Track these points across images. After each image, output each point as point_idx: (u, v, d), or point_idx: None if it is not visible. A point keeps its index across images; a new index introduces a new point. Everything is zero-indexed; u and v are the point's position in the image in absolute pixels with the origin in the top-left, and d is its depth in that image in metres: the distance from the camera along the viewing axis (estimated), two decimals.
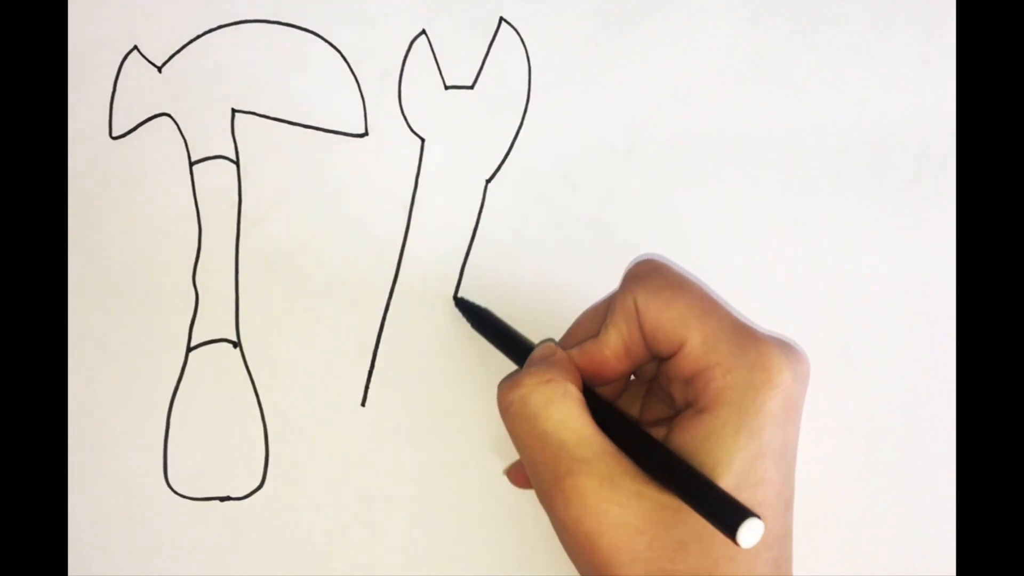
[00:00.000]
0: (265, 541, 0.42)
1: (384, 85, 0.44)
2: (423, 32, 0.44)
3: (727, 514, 0.29)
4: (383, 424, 0.42)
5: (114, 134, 0.44)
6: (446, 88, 0.44)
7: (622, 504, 0.31)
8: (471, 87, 0.44)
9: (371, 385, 0.43)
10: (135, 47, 0.45)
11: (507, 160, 0.44)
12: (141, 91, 0.45)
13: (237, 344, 0.43)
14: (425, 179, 0.44)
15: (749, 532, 0.28)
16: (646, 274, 0.35)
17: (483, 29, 0.44)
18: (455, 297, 0.42)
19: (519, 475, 0.40)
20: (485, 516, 0.42)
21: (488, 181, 0.44)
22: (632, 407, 0.38)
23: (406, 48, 0.44)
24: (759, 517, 0.28)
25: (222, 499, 0.42)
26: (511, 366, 0.40)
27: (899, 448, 0.41)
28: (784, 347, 0.32)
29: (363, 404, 0.43)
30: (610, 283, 0.43)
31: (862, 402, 0.42)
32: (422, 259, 0.43)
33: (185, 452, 0.43)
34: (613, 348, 0.35)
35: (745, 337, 0.32)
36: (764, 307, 0.42)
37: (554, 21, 0.44)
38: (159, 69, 0.45)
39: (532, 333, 0.42)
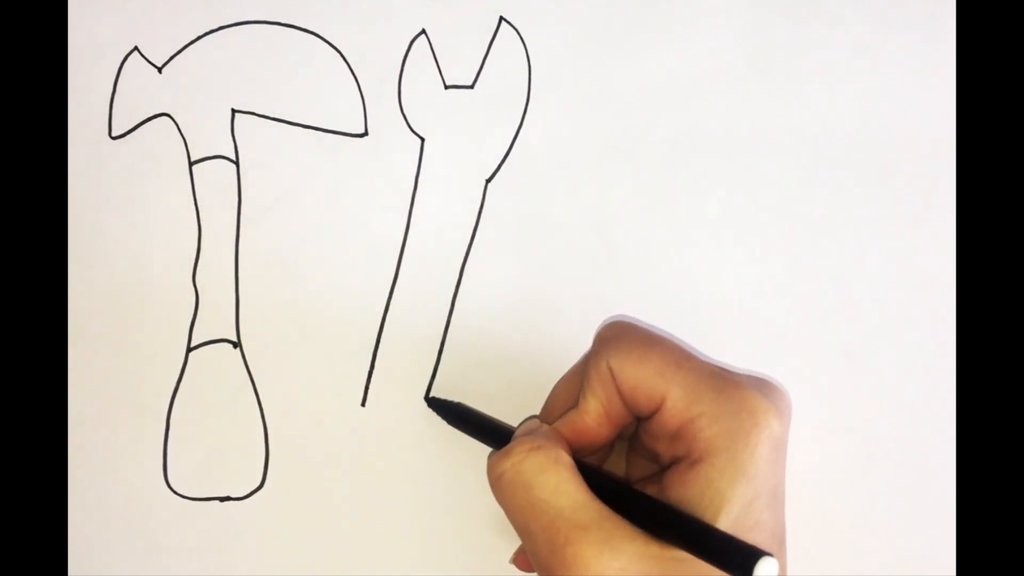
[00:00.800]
0: (265, 541, 0.42)
1: (384, 85, 0.44)
2: (423, 32, 0.44)
3: (740, 558, 0.29)
4: (383, 424, 0.42)
5: (114, 134, 0.45)
6: (446, 88, 0.44)
7: (624, 568, 0.30)
8: (471, 87, 0.44)
9: (371, 385, 0.43)
10: (135, 47, 0.45)
11: (507, 160, 0.44)
12: (141, 91, 0.45)
13: (237, 344, 0.43)
14: (425, 179, 0.44)
15: (764, 571, 0.28)
16: (615, 336, 0.34)
17: (483, 29, 0.44)
18: (426, 398, 0.42)
19: (526, 560, 0.38)
20: (485, 516, 0.42)
21: (488, 181, 0.44)
22: (617, 468, 0.38)
23: (406, 48, 0.44)
24: (771, 555, 0.28)
25: (222, 499, 0.42)
26: (510, 358, 0.40)
27: (899, 448, 0.41)
28: (765, 387, 0.33)
29: (363, 404, 0.43)
30: (610, 283, 0.43)
31: (862, 402, 0.41)
32: (422, 259, 0.43)
33: (185, 452, 0.43)
34: (594, 415, 0.34)
35: (725, 383, 0.32)
36: (764, 307, 0.42)
37: (554, 21, 0.44)
38: (159, 70, 0.45)
39: (532, 333, 0.42)
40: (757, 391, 0.32)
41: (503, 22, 0.44)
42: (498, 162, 0.44)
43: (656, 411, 0.33)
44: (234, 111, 0.45)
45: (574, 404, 0.35)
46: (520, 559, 0.38)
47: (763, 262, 0.43)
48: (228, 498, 0.42)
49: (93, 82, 0.45)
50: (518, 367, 0.42)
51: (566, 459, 0.32)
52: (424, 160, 0.44)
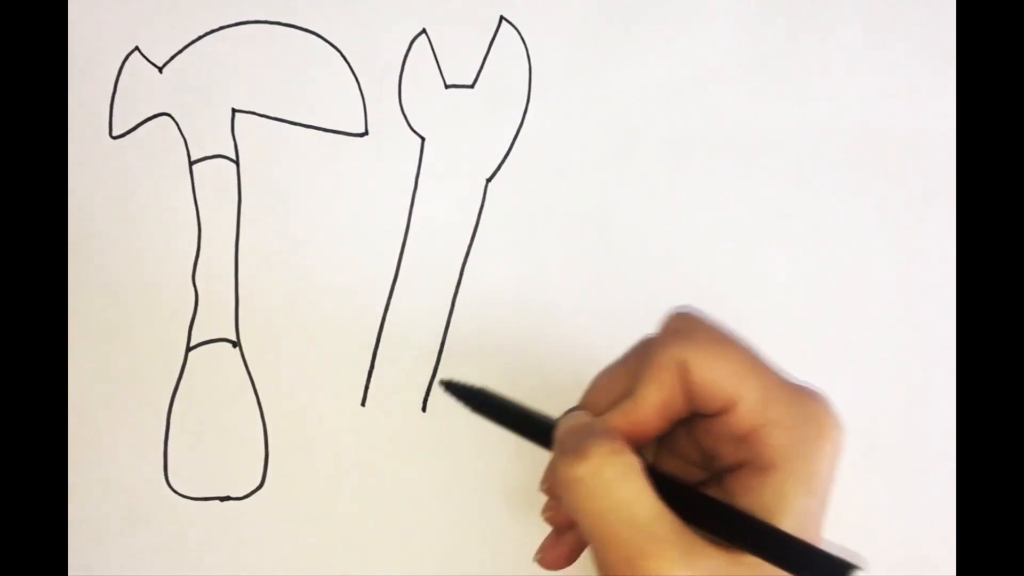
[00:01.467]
0: (265, 541, 0.42)
1: (384, 85, 0.44)
2: (423, 31, 0.44)
3: (830, 568, 0.29)
4: (383, 424, 0.42)
5: (114, 134, 0.45)
6: (446, 87, 0.44)
7: None
8: (471, 86, 0.44)
9: (371, 385, 0.43)
10: (136, 47, 0.45)
11: (507, 159, 0.44)
12: (142, 91, 0.45)
13: (237, 344, 0.43)
14: (425, 178, 0.44)
15: None
16: (690, 328, 0.33)
17: (483, 28, 0.44)
18: (442, 382, 0.37)
19: (553, 556, 0.37)
20: (485, 515, 0.42)
21: (488, 181, 0.44)
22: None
23: (406, 47, 0.44)
24: (861, 568, 0.28)
25: (222, 499, 0.42)
26: (510, 358, 0.40)
27: (899, 448, 0.41)
28: (827, 400, 0.32)
29: (363, 404, 0.43)
30: (610, 283, 0.43)
31: (862, 402, 0.41)
32: (422, 259, 0.43)
33: (185, 452, 0.43)
34: (652, 407, 0.33)
35: (796, 393, 0.32)
36: (764, 307, 0.42)
37: (555, 20, 0.44)
38: (160, 69, 0.45)
39: (532, 333, 0.42)
40: (825, 402, 0.32)
41: (503, 22, 0.44)
42: (498, 162, 0.44)
43: (724, 412, 0.32)
44: (234, 111, 0.44)
45: (624, 395, 0.33)
46: (547, 556, 0.36)
47: (763, 262, 0.43)
48: (228, 498, 0.42)
49: (94, 82, 0.45)
50: (518, 367, 0.42)
51: (640, 465, 0.31)
52: (424, 160, 0.44)
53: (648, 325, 0.42)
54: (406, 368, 0.43)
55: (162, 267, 0.44)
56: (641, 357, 0.34)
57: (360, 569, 0.42)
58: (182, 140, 0.44)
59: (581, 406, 0.35)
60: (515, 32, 0.44)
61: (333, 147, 0.44)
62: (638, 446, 0.33)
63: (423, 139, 0.44)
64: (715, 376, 0.32)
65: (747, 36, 0.44)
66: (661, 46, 0.44)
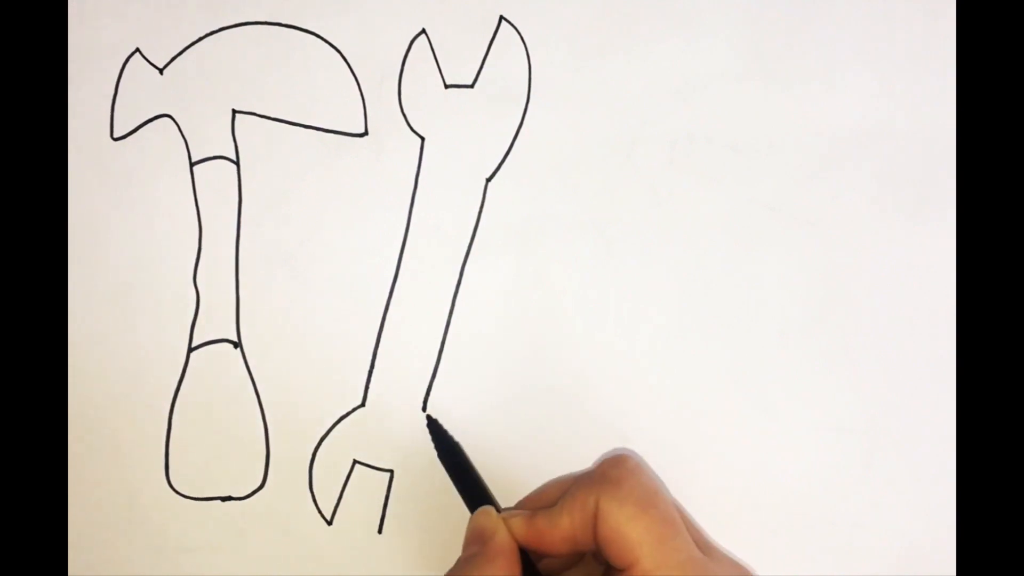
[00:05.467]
0: (265, 541, 0.42)
1: (384, 85, 0.44)
2: (423, 31, 0.44)
3: None
4: (383, 424, 0.42)
5: (116, 135, 0.45)
6: (446, 87, 0.44)
7: None
8: (471, 86, 0.44)
9: (371, 385, 0.43)
10: (137, 49, 0.45)
11: (507, 159, 0.44)
12: (143, 92, 0.45)
13: (237, 344, 0.43)
14: (425, 178, 0.44)
15: None
16: (616, 479, 0.34)
17: (483, 28, 0.44)
18: (428, 417, 0.40)
19: None
20: None
21: (488, 180, 0.44)
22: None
23: (406, 47, 0.44)
24: None
25: (223, 499, 0.42)
26: (510, 358, 0.40)
27: (899, 448, 0.41)
28: None
29: (363, 404, 0.43)
30: (610, 283, 0.43)
31: (862, 402, 0.41)
32: (422, 259, 0.43)
33: (186, 452, 0.43)
34: (561, 532, 0.34)
35: (697, 571, 0.32)
36: (764, 307, 0.42)
37: (555, 20, 0.44)
38: (160, 71, 0.45)
39: (532, 334, 0.42)
40: None
41: (503, 21, 0.44)
42: (498, 162, 0.44)
43: (620, 568, 0.33)
44: (235, 111, 0.45)
45: (549, 506, 0.35)
46: None
47: (763, 262, 0.42)
48: (229, 498, 0.42)
49: (95, 83, 0.45)
50: (518, 366, 0.42)
51: None
52: (424, 160, 0.44)
53: (648, 325, 0.43)
54: (406, 368, 0.43)
55: (163, 268, 0.44)
56: (572, 484, 0.35)
57: (360, 569, 0.42)
58: (183, 141, 0.44)
59: (520, 502, 0.37)
60: (515, 32, 0.44)
61: (333, 147, 0.44)
62: (546, 557, 0.35)
63: (423, 139, 0.44)
64: (622, 533, 0.32)
65: (747, 36, 0.44)
66: (661, 46, 0.44)
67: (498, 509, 0.36)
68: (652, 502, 0.33)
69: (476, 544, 0.34)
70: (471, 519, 0.36)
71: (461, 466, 0.38)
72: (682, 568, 0.32)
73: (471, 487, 0.37)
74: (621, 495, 0.33)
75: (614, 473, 0.34)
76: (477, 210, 0.43)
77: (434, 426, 0.39)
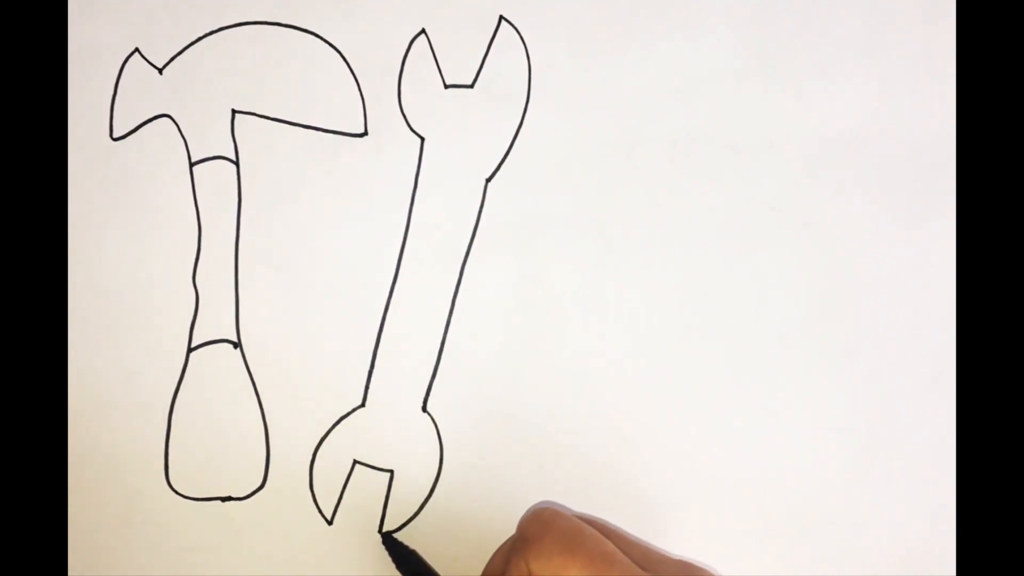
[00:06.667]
0: (265, 541, 0.42)
1: (384, 85, 0.44)
2: (423, 31, 0.44)
3: None
4: (383, 424, 0.42)
5: (115, 135, 0.45)
6: (446, 87, 0.44)
7: None
8: (471, 86, 0.44)
9: (371, 385, 0.43)
10: (136, 49, 0.45)
11: (507, 159, 0.44)
12: (142, 92, 0.45)
13: (237, 344, 0.43)
14: (425, 178, 0.44)
15: None
16: (537, 535, 0.34)
17: (483, 28, 0.44)
18: (382, 533, 0.41)
19: None
20: (485, 514, 0.42)
21: (488, 180, 0.44)
22: None
23: (406, 47, 0.44)
24: None
25: (223, 499, 0.42)
26: (510, 358, 0.40)
27: (899, 448, 0.41)
28: None
29: (363, 404, 0.43)
30: (610, 283, 0.43)
31: (862, 402, 0.41)
32: (422, 259, 0.43)
33: (186, 452, 0.43)
34: None
35: None
36: (764, 307, 0.42)
37: (554, 21, 0.44)
38: (160, 71, 0.45)
39: (532, 334, 0.42)
40: None
41: (503, 21, 0.44)
42: (498, 162, 0.44)
43: None
44: (234, 111, 0.45)
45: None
46: None
47: (763, 261, 0.42)
48: (229, 498, 0.42)
49: (94, 83, 0.45)
50: (517, 367, 0.42)
51: None
52: (424, 160, 0.44)
53: (648, 325, 0.43)
54: (406, 368, 0.43)
55: (163, 268, 0.44)
56: (504, 553, 0.35)
57: (360, 569, 0.42)
58: (182, 141, 0.44)
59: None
60: (515, 32, 0.44)
61: (333, 147, 0.44)
62: None
63: (423, 139, 0.44)
64: None
65: (747, 36, 0.44)
66: (661, 46, 0.44)
67: None
68: (577, 543, 0.33)
69: None
70: None
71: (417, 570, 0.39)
72: None
73: None
74: (546, 550, 0.33)
75: (533, 530, 0.34)
76: (477, 210, 0.43)
77: (389, 541, 0.40)
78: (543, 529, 0.34)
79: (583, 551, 0.33)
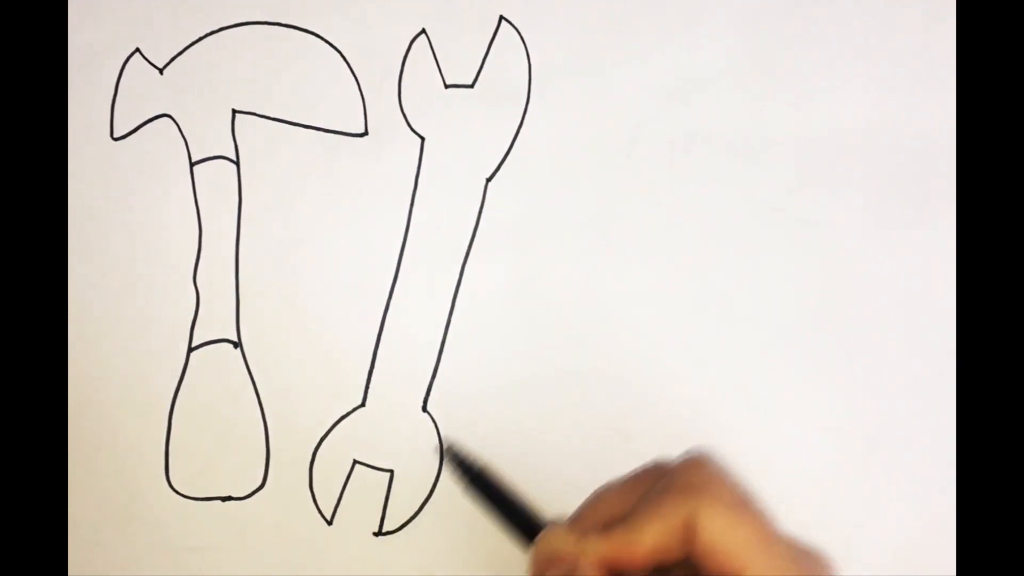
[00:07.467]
0: (265, 541, 0.42)
1: (384, 85, 0.44)
2: (423, 31, 0.44)
3: None
4: (383, 424, 0.42)
5: (115, 135, 0.45)
6: (446, 87, 0.44)
7: None
8: (471, 86, 0.44)
9: (371, 385, 0.43)
10: (137, 49, 0.45)
11: (507, 159, 0.44)
12: (142, 92, 0.45)
13: (237, 344, 0.43)
14: (425, 178, 0.44)
15: None
16: (706, 485, 0.31)
17: (483, 28, 0.44)
18: (448, 449, 0.35)
19: None
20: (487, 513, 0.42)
21: (488, 180, 0.44)
22: None
23: (406, 47, 0.44)
24: None
25: (223, 499, 0.42)
26: (510, 358, 0.40)
27: (899, 448, 0.41)
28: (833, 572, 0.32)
29: (363, 404, 0.43)
30: (610, 283, 0.43)
31: (862, 402, 0.41)
32: (422, 259, 0.43)
33: (186, 452, 0.43)
34: (646, 549, 0.31)
35: (803, 572, 0.31)
36: (764, 307, 0.42)
37: (554, 21, 0.44)
38: (160, 71, 0.45)
39: (532, 333, 0.42)
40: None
41: (503, 21, 0.44)
42: (498, 162, 0.44)
43: None
44: (235, 111, 0.45)
45: (619, 519, 0.32)
46: None
47: (763, 261, 0.43)
48: (229, 498, 0.42)
49: (95, 83, 0.45)
50: (517, 367, 0.42)
51: None
52: (424, 160, 0.44)
53: (647, 325, 0.43)
54: (406, 368, 0.43)
55: (163, 268, 0.44)
56: (649, 492, 0.32)
57: (360, 569, 0.42)
58: (183, 141, 0.44)
59: (576, 517, 0.34)
60: (515, 32, 0.44)
61: (333, 147, 0.44)
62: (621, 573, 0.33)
63: (423, 139, 0.44)
64: (724, 545, 0.31)
65: (747, 36, 0.44)
66: (661, 46, 0.44)
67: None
68: (748, 506, 0.31)
69: (556, 571, 0.32)
70: (541, 542, 0.33)
71: (498, 493, 0.34)
72: (788, 570, 0.31)
73: (519, 512, 0.34)
74: (717, 502, 0.31)
75: (701, 478, 0.32)
76: (477, 210, 0.44)
77: (456, 457, 0.35)
78: (714, 479, 0.32)
79: (754, 515, 0.31)
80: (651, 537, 0.31)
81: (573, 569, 0.32)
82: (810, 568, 0.31)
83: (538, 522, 0.33)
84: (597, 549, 0.32)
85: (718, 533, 0.30)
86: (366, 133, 0.44)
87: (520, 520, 0.34)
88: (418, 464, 0.42)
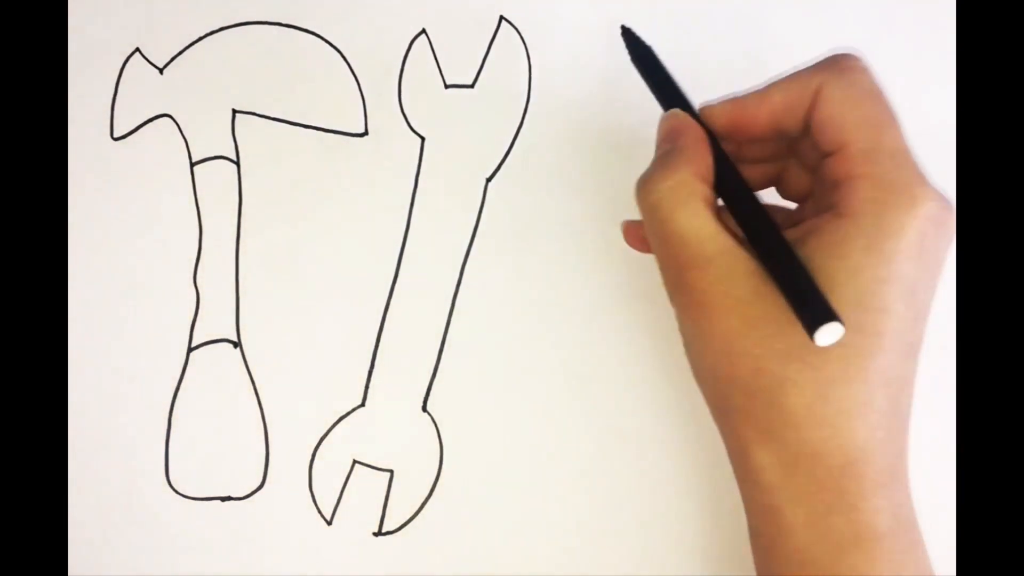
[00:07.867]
0: (265, 541, 0.42)
1: (384, 85, 0.44)
2: (423, 31, 0.44)
3: (813, 309, 0.29)
4: (383, 424, 0.42)
5: (115, 135, 0.45)
6: (446, 87, 0.44)
7: (740, 299, 0.31)
8: (471, 86, 0.44)
9: (371, 385, 0.43)
10: (137, 49, 0.45)
11: (507, 159, 0.44)
12: (142, 92, 0.45)
13: (237, 344, 0.43)
14: (425, 178, 0.44)
15: (827, 335, 0.29)
16: (845, 68, 0.33)
17: (483, 28, 0.44)
18: (622, 27, 0.38)
19: (632, 236, 0.38)
20: (486, 511, 0.42)
21: (488, 180, 0.44)
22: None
23: (406, 47, 0.44)
24: (842, 323, 0.29)
25: (223, 499, 0.42)
26: (510, 358, 0.40)
27: None
28: (938, 194, 0.32)
29: (363, 404, 0.43)
30: (610, 282, 0.43)
31: None
32: (422, 259, 0.43)
33: (186, 452, 0.43)
34: (770, 108, 0.34)
35: (908, 166, 0.32)
36: None
37: (555, 20, 0.44)
38: (160, 71, 0.45)
39: (533, 333, 0.42)
40: (931, 188, 0.32)
41: (503, 22, 0.44)
42: (498, 162, 0.44)
43: (829, 152, 0.33)
44: (235, 111, 0.45)
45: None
46: (630, 233, 0.38)
47: None
48: (229, 498, 0.42)
49: (94, 83, 0.45)
50: (517, 367, 0.42)
51: (702, 192, 0.33)
52: (424, 160, 0.44)
53: (648, 325, 0.43)
54: (406, 368, 0.43)
55: (163, 268, 0.44)
56: (798, 70, 0.34)
57: (360, 569, 0.42)
58: (183, 141, 0.44)
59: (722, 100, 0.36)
60: (515, 32, 0.44)
61: (333, 147, 0.44)
62: (741, 139, 0.35)
63: (423, 139, 0.44)
64: (839, 114, 0.32)
65: (747, 36, 0.44)
66: (661, 46, 0.44)
67: (693, 114, 0.35)
68: (878, 95, 0.33)
69: (668, 142, 0.34)
70: (661, 120, 0.36)
71: (657, 70, 0.37)
72: (892, 157, 0.32)
73: (667, 90, 0.36)
74: (847, 80, 0.33)
75: (842, 63, 0.33)
76: (477, 210, 0.44)
77: (628, 35, 0.37)
78: (854, 66, 0.33)
79: (880, 103, 0.33)
80: (778, 98, 0.33)
81: (680, 137, 0.34)
82: (913, 174, 0.32)
83: (681, 104, 0.36)
84: (719, 111, 0.35)
85: (838, 103, 0.32)
86: (366, 133, 0.44)
87: (668, 99, 0.36)
88: (418, 464, 0.42)
